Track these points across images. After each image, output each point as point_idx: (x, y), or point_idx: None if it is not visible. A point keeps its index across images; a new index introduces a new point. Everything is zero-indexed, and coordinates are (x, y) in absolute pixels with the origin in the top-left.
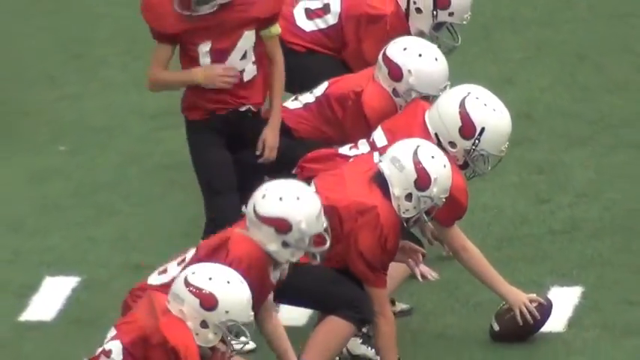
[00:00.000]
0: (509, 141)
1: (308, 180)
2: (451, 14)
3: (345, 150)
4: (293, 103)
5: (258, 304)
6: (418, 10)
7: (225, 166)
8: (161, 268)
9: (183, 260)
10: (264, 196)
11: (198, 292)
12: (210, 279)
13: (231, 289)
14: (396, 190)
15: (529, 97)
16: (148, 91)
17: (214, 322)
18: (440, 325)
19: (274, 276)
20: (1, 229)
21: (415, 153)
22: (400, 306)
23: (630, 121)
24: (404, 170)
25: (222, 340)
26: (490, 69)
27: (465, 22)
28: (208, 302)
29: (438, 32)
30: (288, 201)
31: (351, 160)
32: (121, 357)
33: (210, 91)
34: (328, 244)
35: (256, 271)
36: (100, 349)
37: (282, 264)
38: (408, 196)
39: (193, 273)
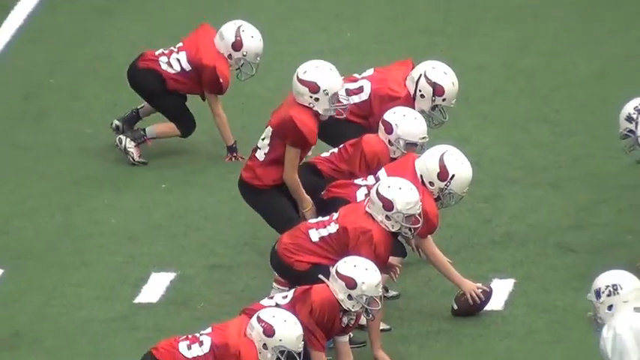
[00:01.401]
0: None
1: (332, 200)
2: (444, 100)
3: (358, 181)
4: (325, 154)
5: (329, 336)
6: (422, 96)
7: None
8: (271, 296)
9: (286, 297)
10: (344, 262)
11: (264, 324)
12: (273, 316)
13: (286, 326)
14: (377, 217)
15: (478, 151)
16: None
17: (271, 346)
18: (418, 305)
19: (344, 321)
20: (122, 241)
21: (381, 188)
22: (391, 292)
23: (547, 168)
24: (375, 203)
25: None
26: (453, 132)
27: (452, 106)
28: (268, 332)
29: (434, 112)
30: (360, 269)
31: (362, 190)
32: (208, 349)
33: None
34: (380, 307)
35: (329, 313)
36: (196, 335)
37: (350, 312)
38: (386, 217)
39: (265, 312)
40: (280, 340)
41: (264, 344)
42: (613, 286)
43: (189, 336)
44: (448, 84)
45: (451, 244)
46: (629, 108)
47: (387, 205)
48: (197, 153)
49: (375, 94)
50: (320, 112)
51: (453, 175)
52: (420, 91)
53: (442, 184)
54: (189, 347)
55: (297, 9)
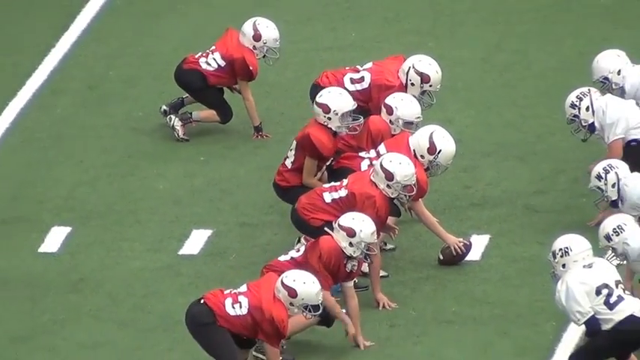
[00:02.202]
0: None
1: (340, 169)
2: (430, 86)
3: (362, 154)
4: None
5: (336, 280)
6: (412, 84)
7: None
8: (287, 253)
9: (299, 250)
10: (344, 216)
11: (287, 289)
12: (294, 280)
13: (306, 287)
14: (380, 185)
15: (459, 130)
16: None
17: (296, 304)
18: (410, 256)
19: (348, 267)
20: (169, 203)
21: (385, 162)
22: (389, 246)
23: (515, 144)
24: (379, 173)
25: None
26: (439, 114)
27: (437, 90)
28: (292, 294)
29: (423, 96)
30: (357, 220)
31: (365, 162)
32: (246, 311)
33: None
34: (376, 252)
35: (335, 259)
36: (233, 291)
37: (352, 258)
38: (387, 186)
39: (286, 276)
40: (303, 299)
41: (291, 303)
42: (565, 248)
43: (232, 292)
44: (433, 73)
45: (438, 206)
46: (572, 97)
47: (389, 176)
48: (230, 132)
49: (374, 83)
50: (333, 129)
51: (440, 150)
52: (410, 80)
53: (431, 158)
54: (232, 305)
55: (311, 13)
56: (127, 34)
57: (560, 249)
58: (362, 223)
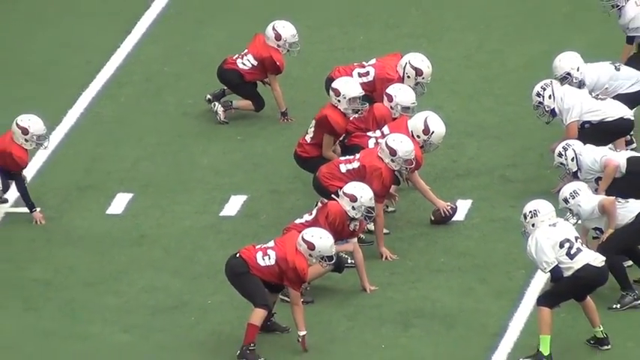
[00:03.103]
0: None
1: (352, 146)
2: (422, 78)
3: (370, 134)
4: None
5: (342, 237)
6: (408, 77)
7: None
8: (302, 217)
9: (311, 213)
10: (347, 185)
11: (307, 242)
12: (312, 236)
13: (322, 241)
14: (385, 160)
15: (447, 115)
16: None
17: (314, 256)
18: (408, 217)
19: (351, 227)
20: (212, 174)
21: (390, 141)
22: (390, 208)
23: (492, 126)
24: (384, 150)
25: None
26: (431, 102)
27: (428, 82)
28: (310, 247)
29: (416, 87)
30: (358, 188)
31: (372, 140)
32: (274, 262)
33: None
34: (374, 214)
35: (339, 219)
36: (263, 246)
37: (354, 219)
38: (391, 160)
39: (306, 233)
40: (319, 251)
41: (310, 254)
42: (534, 210)
43: (262, 247)
44: (425, 67)
45: (430, 177)
46: (537, 87)
47: (392, 152)
48: (261, 117)
49: (377, 77)
50: (342, 111)
51: (433, 132)
52: (406, 73)
53: (425, 137)
54: (262, 258)
55: (326, 19)
56: (178, 37)
57: (530, 211)
58: (362, 191)
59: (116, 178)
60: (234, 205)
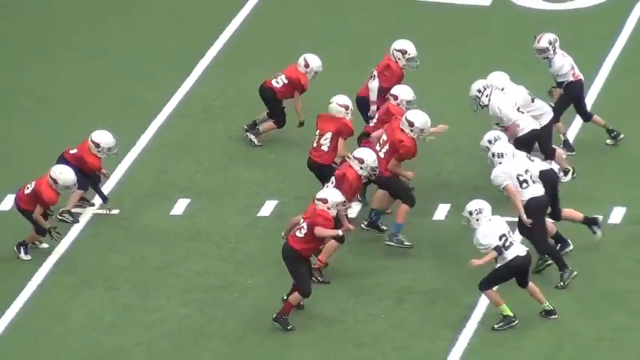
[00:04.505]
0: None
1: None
2: (409, 54)
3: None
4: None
5: (354, 195)
6: (398, 59)
7: None
8: (324, 187)
9: (332, 182)
10: (357, 151)
11: (324, 200)
12: (326, 192)
13: (335, 195)
14: (406, 130)
15: (433, 141)
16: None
17: (331, 206)
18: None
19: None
20: (251, 184)
21: (408, 115)
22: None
23: (468, 147)
24: (405, 122)
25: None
26: (424, 104)
27: (416, 55)
28: (324, 202)
29: (410, 62)
30: (366, 152)
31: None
32: (306, 230)
33: None
34: (377, 172)
35: (356, 182)
36: (301, 224)
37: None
38: (410, 130)
39: (321, 193)
40: (336, 204)
41: (327, 207)
42: (480, 208)
43: (299, 226)
44: (407, 45)
45: (418, 186)
46: (479, 85)
47: (411, 124)
48: (288, 139)
49: (381, 86)
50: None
51: (413, 122)
52: (396, 57)
53: (412, 129)
54: (299, 231)
55: (338, 62)
56: (226, 78)
57: (476, 209)
58: (368, 154)
59: (177, 187)
60: (268, 208)
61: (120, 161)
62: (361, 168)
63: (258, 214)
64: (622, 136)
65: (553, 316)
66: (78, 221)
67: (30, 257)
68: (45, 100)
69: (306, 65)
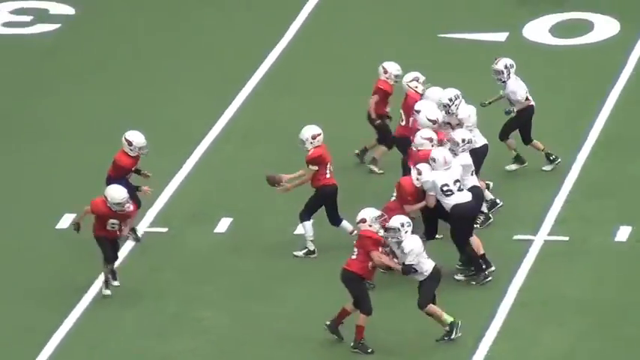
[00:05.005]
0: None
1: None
2: (391, 74)
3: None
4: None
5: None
6: (386, 76)
7: None
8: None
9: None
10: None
11: (363, 220)
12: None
13: (369, 211)
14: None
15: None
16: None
17: (372, 223)
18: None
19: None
20: (282, 201)
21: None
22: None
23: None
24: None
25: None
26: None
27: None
28: (364, 222)
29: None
30: (422, 165)
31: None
32: (356, 253)
33: None
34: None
35: (413, 187)
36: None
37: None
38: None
39: (359, 214)
40: (374, 218)
41: (369, 225)
42: (407, 222)
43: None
44: (390, 66)
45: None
46: (453, 93)
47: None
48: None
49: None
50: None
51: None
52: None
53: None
54: (351, 255)
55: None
56: (262, 110)
57: (403, 223)
58: (422, 166)
59: (221, 208)
60: (301, 228)
61: (167, 184)
62: (417, 180)
63: (295, 232)
64: (559, 160)
65: (456, 335)
66: (139, 240)
67: (110, 292)
68: (97, 125)
69: (385, 71)
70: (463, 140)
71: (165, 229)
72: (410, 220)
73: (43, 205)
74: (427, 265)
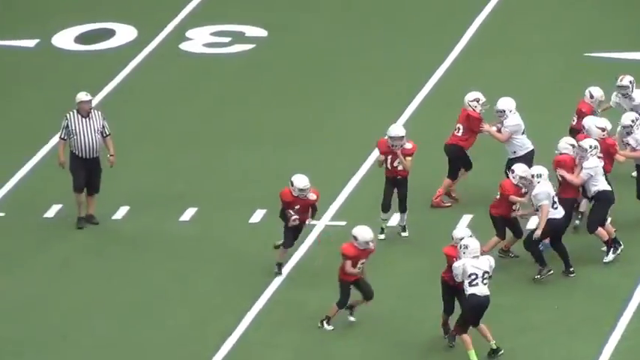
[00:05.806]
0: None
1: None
2: (480, 102)
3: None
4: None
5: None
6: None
7: None
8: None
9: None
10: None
11: (512, 171)
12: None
13: (521, 166)
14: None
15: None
16: None
17: (515, 178)
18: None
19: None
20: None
21: None
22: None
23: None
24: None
25: None
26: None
27: (483, 103)
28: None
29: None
30: (517, 165)
31: None
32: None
33: None
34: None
35: (513, 187)
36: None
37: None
38: None
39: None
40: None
41: (513, 177)
42: (465, 244)
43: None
44: (473, 96)
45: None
46: (510, 103)
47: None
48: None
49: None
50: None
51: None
52: (475, 108)
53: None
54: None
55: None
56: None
57: (463, 236)
58: (517, 167)
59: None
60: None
61: (347, 183)
62: (513, 178)
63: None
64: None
65: (500, 353)
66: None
67: (333, 327)
68: (284, 133)
69: (591, 96)
70: (590, 146)
71: (344, 223)
72: (467, 244)
73: (239, 203)
74: (472, 289)
